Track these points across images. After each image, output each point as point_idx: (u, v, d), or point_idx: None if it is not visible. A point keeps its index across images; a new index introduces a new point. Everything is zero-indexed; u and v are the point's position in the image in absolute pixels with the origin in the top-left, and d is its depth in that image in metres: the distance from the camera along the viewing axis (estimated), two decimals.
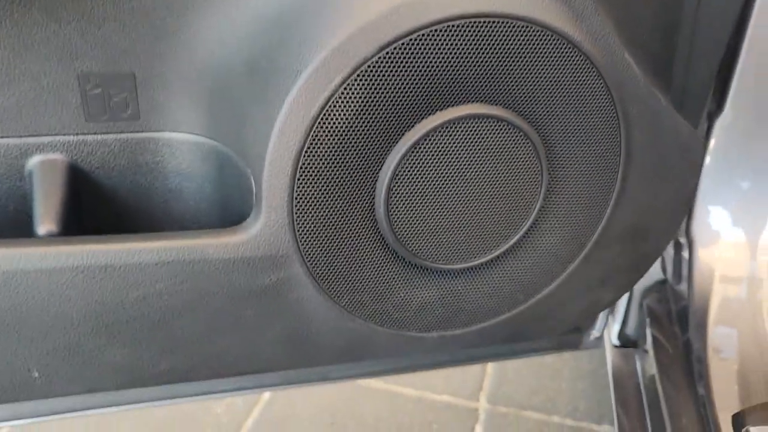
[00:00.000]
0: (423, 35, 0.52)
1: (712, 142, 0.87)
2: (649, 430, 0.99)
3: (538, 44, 0.55)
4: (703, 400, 0.86)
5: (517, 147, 0.59)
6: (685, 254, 0.96)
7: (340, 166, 0.55)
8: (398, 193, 0.58)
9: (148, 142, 0.62)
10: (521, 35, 0.54)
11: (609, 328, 1.12)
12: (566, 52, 0.56)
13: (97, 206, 0.63)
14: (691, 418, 0.87)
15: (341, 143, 0.54)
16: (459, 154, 0.58)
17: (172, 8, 0.56)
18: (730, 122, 0.85)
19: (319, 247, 0.58)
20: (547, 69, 0.56)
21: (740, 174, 0.89)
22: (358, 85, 0.52)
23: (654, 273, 1.04)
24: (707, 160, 0.89)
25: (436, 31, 0.52)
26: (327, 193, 0.56)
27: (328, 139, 0.53)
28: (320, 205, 0.56)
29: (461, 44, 0.53)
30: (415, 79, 0.53)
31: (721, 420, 0.82)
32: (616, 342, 1.13)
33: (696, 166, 0.73)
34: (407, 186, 0.58)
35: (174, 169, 0.63)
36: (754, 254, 0.87)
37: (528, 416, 1.40)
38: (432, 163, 0.57)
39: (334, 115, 0.53)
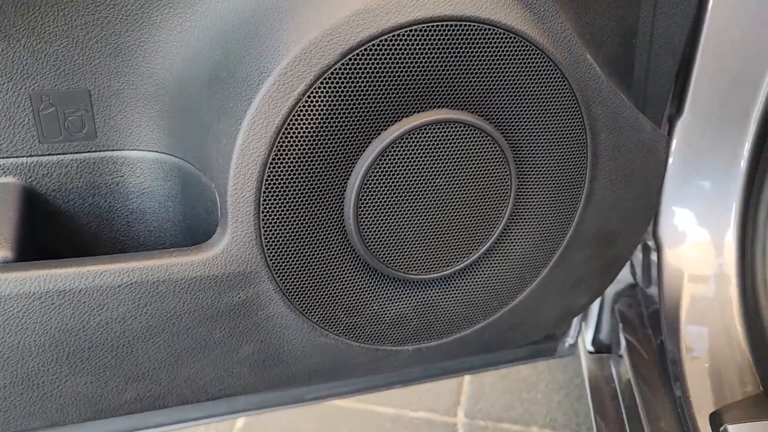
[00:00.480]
0: (386, 40, 0.51)
1: (674, 144, 0.88)
2: None
3: (501, 47, 0.55)
4: (680, 401, 0.86)
5: (484, 152, 0.59)
6: (653, 257, 0.97)
7: (306, 177, 0.54)
8: (367, 203, 0.57)
9: (107, 162, 0.60)
10: (484, 38, 0.54)
11: (583, 335, 1.12)
12: (529, 55, 0.56)
13: (55, 230, 0.61)
14: (669, 420, 0.87)
15: (307, 153, 0.53)
16: (427, 160, 0.57)
17: (127, 23, 0.55)
18: (690, 124, 0.86)
19: (288, 261, 0.56)
20: (511, 72, 0.56)
21: (702, 175, 0.90)
22: (321, 92, 0.51)
23: (624, 277, 1.05)
24: (670, 161, 0.90)
25: (398, 35, 0.51)
26: (294, 205, 0.54)
27: (294, 150, 0.52)
28: (288, 217, 0.54)
29: (424, 48, 0.52)
30: (379, 85, 0.53)
31: (699, 420, 0.82)
32: (590, 348, 1.13)
33: (661, 164, 0.73)
34: (376, 195, 0.57)
35: (135, 189, 0.61)
36: (720, 252, 0.88)
37: (506, 429, 1.39)
38: (400, 170, 0.57)
39: (299, 124, 0.52)
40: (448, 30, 0.52)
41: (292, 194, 0.54)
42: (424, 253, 0.61)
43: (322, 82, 0.51)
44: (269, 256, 0.55)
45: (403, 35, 0.51)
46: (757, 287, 0.84)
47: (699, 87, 0.83)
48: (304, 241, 0.56)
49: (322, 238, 0.57)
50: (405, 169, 0.57)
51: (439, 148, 0.57)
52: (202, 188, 0.58)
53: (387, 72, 0.52)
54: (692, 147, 0.91)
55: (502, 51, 0.55)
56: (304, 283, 0.58)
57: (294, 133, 0.52)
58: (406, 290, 0.63)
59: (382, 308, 0.62)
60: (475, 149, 0.58)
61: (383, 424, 1.33)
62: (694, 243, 0.90)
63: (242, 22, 0.53)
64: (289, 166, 0.53)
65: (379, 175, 0.56)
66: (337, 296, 0.60)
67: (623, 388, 1.04)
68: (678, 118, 0.84)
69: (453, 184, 0.59)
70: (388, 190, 0.57)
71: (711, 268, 0.88)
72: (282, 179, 0.53)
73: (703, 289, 0.89)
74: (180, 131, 0.58)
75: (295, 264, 0.56)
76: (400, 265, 0.61)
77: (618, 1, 0.62)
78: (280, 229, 0.54)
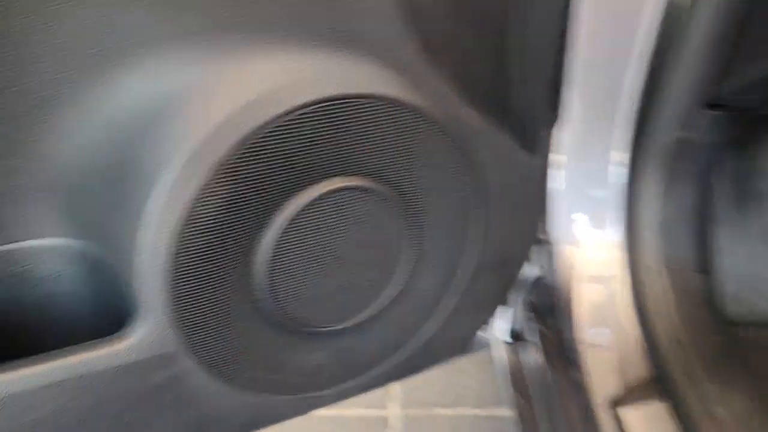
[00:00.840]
0: (275, 127, 0.54)
1: (560, 149, 0.96)
2: (543, 413, 1.08)
3: (381, 116, 0.59)
4: (581, 386, 0.95)
5: (380, 210, 0.63)
6: (551, 251, 1.05)
7: (213, 260, 0.57)
8: (277, 272, 0.60)
9: (12, 254, 0.60)
10: (365, 110, 0.58)
11: (499, 326, 1.21)
12: (409, 119, 0.60)
13: None
14: (575, 404, 0.97)
15: (211, 239, 0.56)
16: (329, 226, 0.61)
17: (16, 125, 0.55)
18: (569, 131, 0.94)
19: (205, 337, 0.59)
20: (394, 136, 0.60)
21: (587, 178, 0.98)
22: (219, 182, 0.54)
23: (533, 269, 1.13)
24: (564, 172, 0.98)
25: (286, 121, 0.54)
26: (205, 287, 0.57)
27: (198, 238, 0.55)
28: (200, 299, 0.57)
29: (313, 128, 0.56)
30: (275, 166, 0.56)
31: (597, 405, 0.91)
32: (506, 338, 1.21)
33: (540, 191, 0.80)
34: (285, 264, 0.60)
35: (44, 275, 0.62)
36: (609, 248, 0.96)
37: (439, 414, 1.47)
38: (305, 239, 0.60)
39: (199, 214, 0.54)
40: (331, 109, 0.56)
41: (202, 278, 0.57)
42: (335, 306, 0.65)
43: (218, 173, 0.53)
44: (186, 337, 0.58)
45: (290, 120, 0.54)
46: (641, 279, 0.93)
47: (573, 97, 0.91)
48: (219, 317, 0.59)
49: (237, 310, 0.60)
50: (309, 238, 0.60)
51: (339, 213, 0.61)
52: (112, 273, 0.60)
53: (280, 153, 0.55)
54: (576, 151, 0.99)
55: (384, 119, 0.59)
56: (224, 354, 0.61)
57: (195, 223, 0.54)
58: (323, 342, 0.67)
59: (302, 362, 0.67)
60: (371, 210, 0.63)
61: (322, 427, 1.39)
62: (584, 240, 0.99)
63: (137, 117, 0.55)
64: (195, 254, 0.55)
65: (286, 247, 0.60)
66: (257, 359, 0.64)
67: (537, 373, 1.13)
68: (558, 125, 0.92)
69: (357, 243, 0.63)
70: (295, 258, 0.60)
71: (601, 263, 0.97)
72: (189, 266, 0.55)
73: (595, 283, 0.98)
74: (84, 221, 0.59)
75: (212, 339, 0.60)
76: (315, 322, 0.65)
77: (487, 51, 0.67)
78: (194, 311, 0.57)
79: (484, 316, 0.83)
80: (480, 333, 1.15)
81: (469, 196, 0.68)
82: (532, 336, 1.16)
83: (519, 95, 0.72)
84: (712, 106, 0.91)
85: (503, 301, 0.86)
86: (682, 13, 0.77)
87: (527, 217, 0.77)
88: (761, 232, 1.14)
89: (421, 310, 0.72)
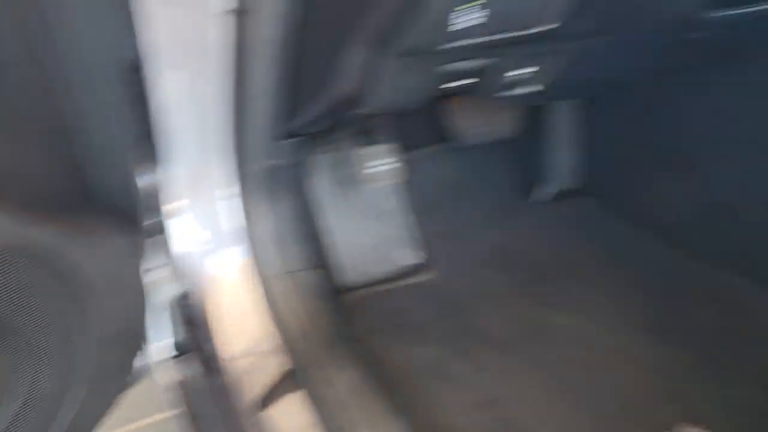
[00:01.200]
0: None
1: (184, 201, 1.04)
2: (205, 421, 1.20)
3: None
4: (228, 392, 1.08)
5: None
6: (187, 280, 1.15)
7: None
8: None
9: None
10: None
11: (158, 347, 1.27)
12: None
13: None
14: (226, 407, 1.10)
15: None
16: None
17: None
18: (187, 181, 1.02)
19: None
20: None
21: (210, 215, 1.08)
22: None
23: (182, 286, 1.21)
24: (186, 214, 1.06)
25: None
26: None
27: None
28: None
29: None
30: None
31: (244, 407, 1.05)
32: (172, 352, 1.29)
33: (138, 271, 0.86)
34: None
35: None
36: (237, 273, 1.09)
37: (144, 425, 1.51)
38: None
39: None
40: None
41: None
42: None
43: None
44: None
45: None
46: (270, 289, 1.08)
47: (177, 153, 0.98)
48: None
49: None
50: None
51: None
52: None
53: None
54: (192, 194, 1.07)
55: None
56: None
57: None
58: None
59: None
60: None
61: None
62: (214, 267, 1.10)
63: None
64: None
65: None
66: None
67: (196, 383, 1.24)
68: (160, 170, 0.99)
69: None
70: None
71: (233, 284, 1.10)
72: None
73: (230, 301, 1.10)
74: None
75: None
76: None
77: (50, 165, 0.69)
78: None
79: (124, 377, 0.89)
80: (139, 361, 1.21)
81: (68, 297, 0.71)
82: (190, 348, 1.26)
83: (103, 187, 0.76)
84: (290, 136, 1.07)
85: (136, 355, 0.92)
86: (246, 78, 0.89)
87: (138, 284, 0.84)
88: (361, 209, 1.38)
89: (51, 408, 0.75)
